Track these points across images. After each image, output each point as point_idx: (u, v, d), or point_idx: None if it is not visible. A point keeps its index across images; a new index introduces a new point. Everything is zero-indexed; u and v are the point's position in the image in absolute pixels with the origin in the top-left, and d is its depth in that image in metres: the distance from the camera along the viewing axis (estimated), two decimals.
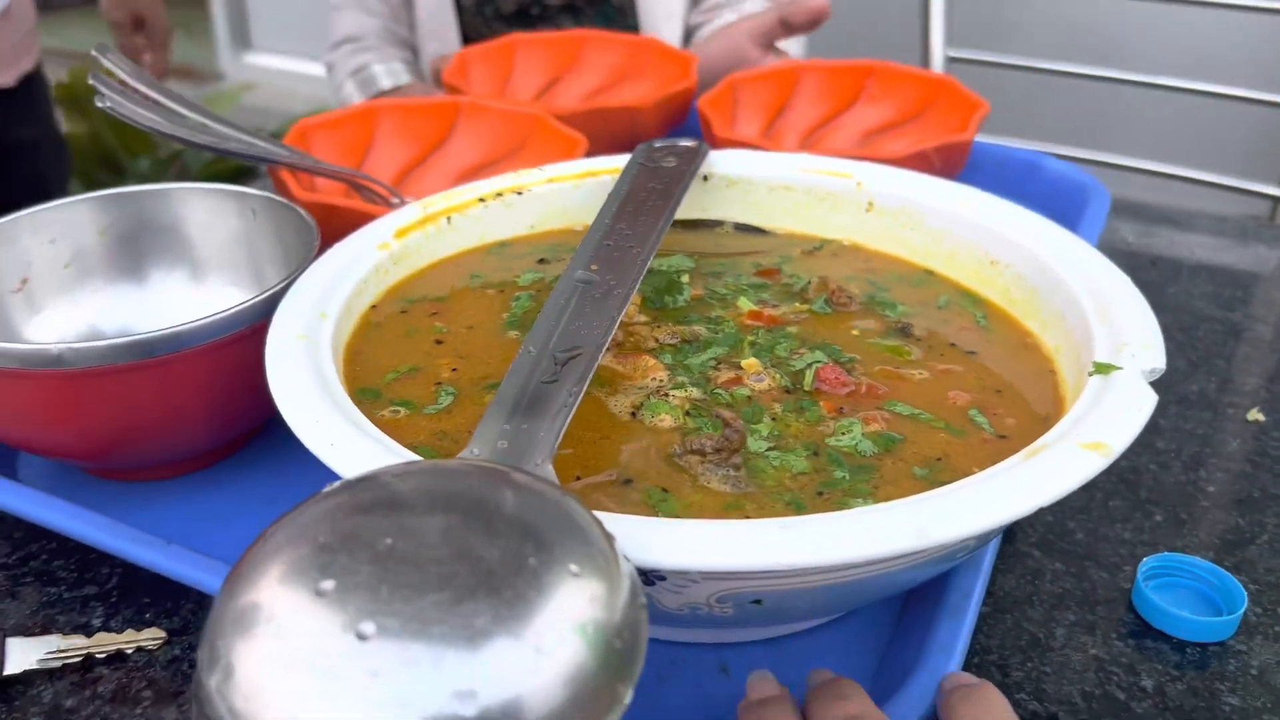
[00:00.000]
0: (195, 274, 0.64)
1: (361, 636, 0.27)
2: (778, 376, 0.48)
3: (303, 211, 0.60)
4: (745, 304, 0.54)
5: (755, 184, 0.65)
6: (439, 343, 0.52)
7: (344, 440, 0.39)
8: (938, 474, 0.42)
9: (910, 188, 0.61)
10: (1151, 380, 0.42)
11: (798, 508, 0.40)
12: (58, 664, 0.46)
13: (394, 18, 1.28)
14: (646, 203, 0.58)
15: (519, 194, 0.62)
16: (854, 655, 0.47)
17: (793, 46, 1.24)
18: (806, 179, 0.63)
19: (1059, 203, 0.83)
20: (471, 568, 0.28)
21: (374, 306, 0.53)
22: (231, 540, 0.51)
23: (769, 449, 0.43)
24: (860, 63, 0.93)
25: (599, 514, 0.34)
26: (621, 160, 0.65)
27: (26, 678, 0.46)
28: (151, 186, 0.62)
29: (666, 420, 0.45)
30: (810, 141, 0.92)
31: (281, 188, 0.71)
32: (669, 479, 0.42)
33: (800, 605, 0.39)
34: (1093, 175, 0.85)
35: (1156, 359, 0.43)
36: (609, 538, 0.31)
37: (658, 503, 0.40)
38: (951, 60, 1.43)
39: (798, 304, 0.55)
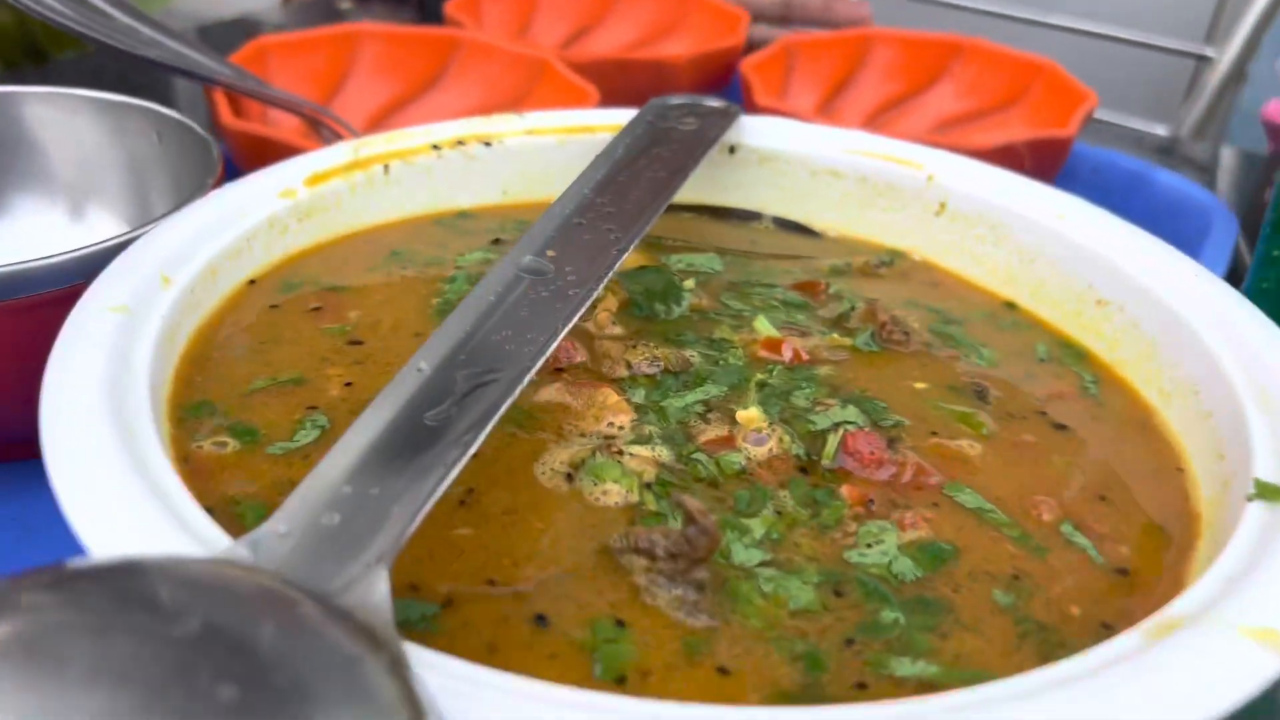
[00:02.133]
0: (68, 207, 0.50)
1: None
2: (788, 440, 0.34)
3: (209, 139, 0.46)
4: (763, 327, 0.40)
5: (793, 164, 0.50)
6: (354, 343, 0.38)
7: (102, 482, 0.26)
8: (1025, 603, 0.28)
9: (997, 189, 0.47)
10: None
11: (811, 664, 0.26)
12: None
13: None
14: (646, 173, 0.44)
15: (486, 145, 0.48)
16: None
17: None
18: (860, 164, 0.49)
19: (1170, 225, 0.67)
20: None
21: (252, 282, 0.40)
22: None
23: (760, 563, 0.29)
24: (945, 37, 0.78)
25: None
26: (628, 117, 0.50)
27: None
28: (24, 88, 0.49)
29: (614, 493, 0.31)
30: (875, 125, 0.78)
31: (215, 115, 0.58)
32: (617, 597, 0.28)
33: None
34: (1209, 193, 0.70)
35: None
36: None
37: (602, 644, 0.26)
38: None
39: (836, 335, 0.40)
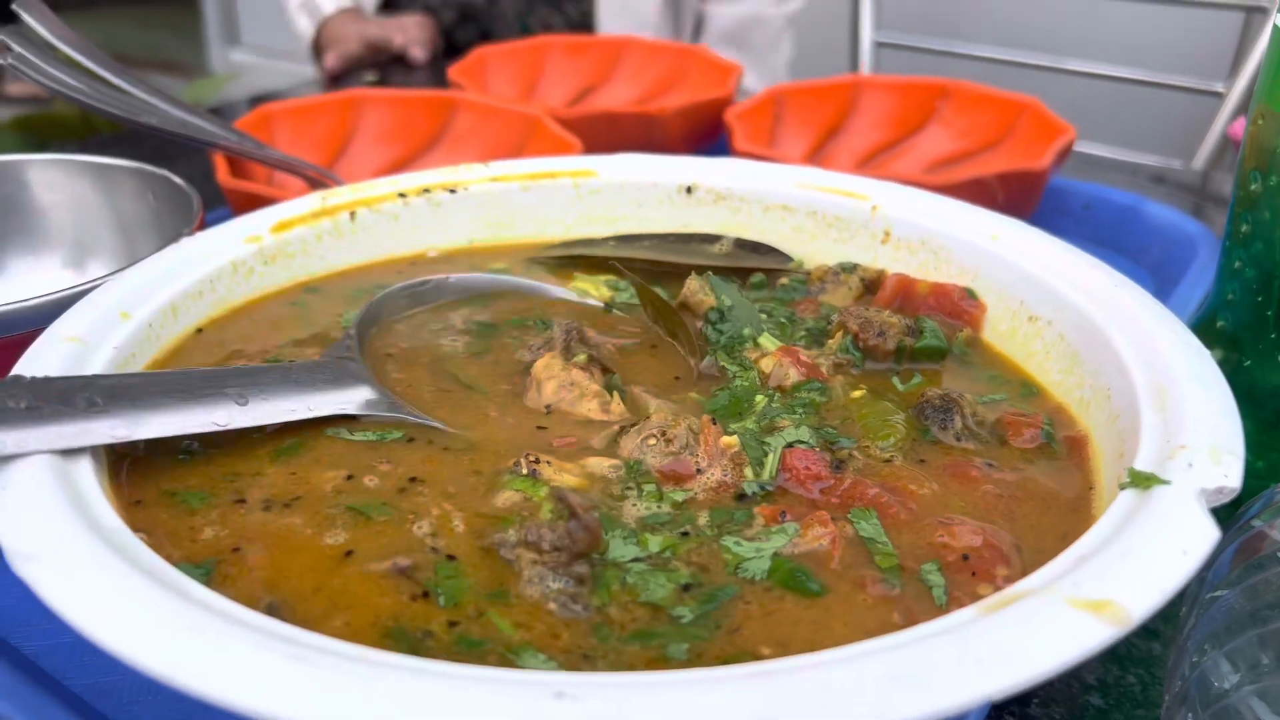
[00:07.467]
0: (67, 261, 0.54)
1: None
2: (737, 469, 0.34)
3: (190, 192, 0.50)
4: (768, 343, 0.42)
5: (747, 201, 0.52)
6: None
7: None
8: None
9: (936, 215, 0.48)
10: (1217, 505, 0.28)
11: (600, 641, 0.27)
12: None
13: None
14: None
15: (451, 192, 0.51)
16: None
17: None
18: (810, 198, 0.51)
19: (1159, 254, 0.68)
20: None
21: (200, 330, 0.42)
22: None
23: (634, 559, 0.30)
24: (932, 81, 0.79)
25: None
26: (590, 162, 0.53)
27: None
28: (26, 156, 0.53)
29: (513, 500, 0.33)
30: (867, 170, 0.79)
31: (224, 178, 0.62)
32: (476, 577, 0.29)
33: None
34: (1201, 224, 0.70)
35: (1227, 473, 0.29)
36: None
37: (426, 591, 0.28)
38: (880, 45, 1.36)
39: (823, 350, 0.42)
